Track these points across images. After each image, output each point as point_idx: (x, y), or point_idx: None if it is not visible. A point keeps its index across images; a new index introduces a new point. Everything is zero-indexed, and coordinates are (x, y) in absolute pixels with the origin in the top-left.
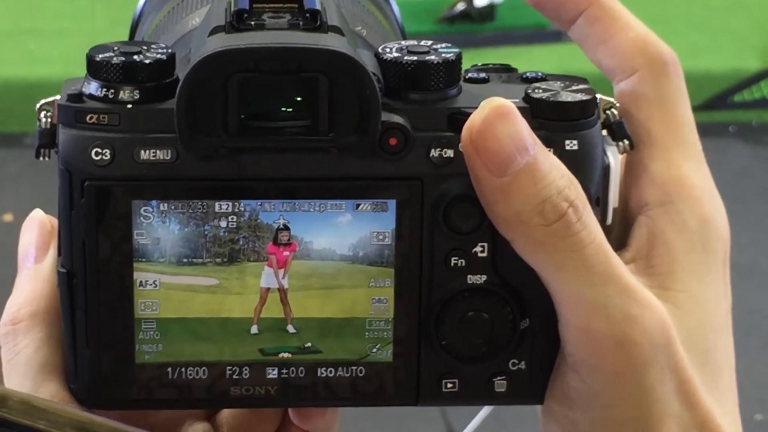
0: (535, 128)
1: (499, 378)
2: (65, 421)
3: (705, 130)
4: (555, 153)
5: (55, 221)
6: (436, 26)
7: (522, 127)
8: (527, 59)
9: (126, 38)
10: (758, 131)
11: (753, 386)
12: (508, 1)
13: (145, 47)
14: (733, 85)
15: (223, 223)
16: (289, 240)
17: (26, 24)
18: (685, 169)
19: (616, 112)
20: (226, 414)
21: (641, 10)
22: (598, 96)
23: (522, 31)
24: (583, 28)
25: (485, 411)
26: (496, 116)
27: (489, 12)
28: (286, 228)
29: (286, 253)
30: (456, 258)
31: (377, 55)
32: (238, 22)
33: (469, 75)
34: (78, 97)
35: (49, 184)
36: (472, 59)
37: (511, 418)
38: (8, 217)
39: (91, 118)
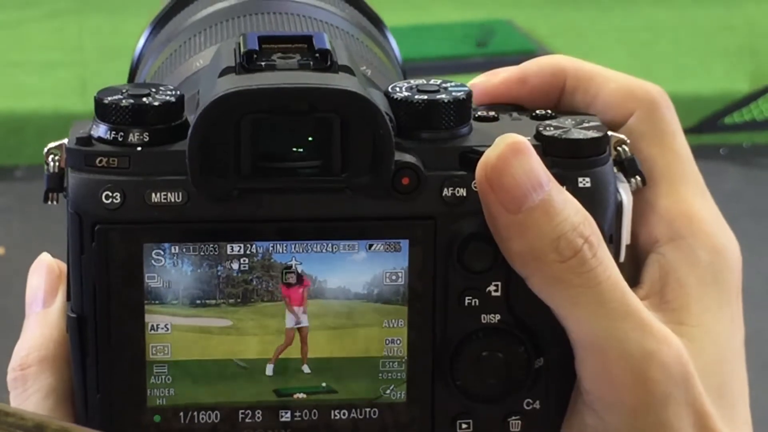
0: (547, 166)
1: (513, 418)
2: None
3: (695, 153)
4: (568, 190)
5: (63, 265)
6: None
7: (537, 163)
8: None
9: (114, 68)
10: (749, 153)
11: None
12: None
13: (153, 89)
14: (723, 107)
15: (236, 265)
16: (297, 280)
17: (14, 56)
18: (693, 204)
19: (627, 149)
20: None
21: (629, 34)
22: (609, 132)
23: (511, 57)
24: (568, 101)
25: None
26: (511, 153)
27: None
28: (289, 268)
29: (300, 290)
30: (470, 297)
31: (387, 94)
32: (248, 62)
33: (479, 113)
34: (87, 140)
35: (40, 217)
36: None
37: None
38: None
39: (100, 161)
